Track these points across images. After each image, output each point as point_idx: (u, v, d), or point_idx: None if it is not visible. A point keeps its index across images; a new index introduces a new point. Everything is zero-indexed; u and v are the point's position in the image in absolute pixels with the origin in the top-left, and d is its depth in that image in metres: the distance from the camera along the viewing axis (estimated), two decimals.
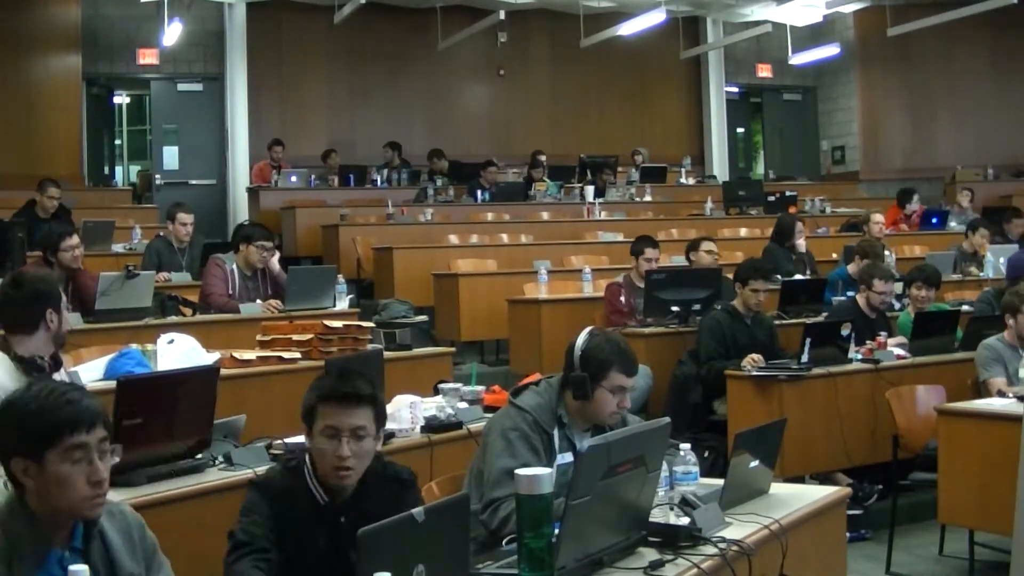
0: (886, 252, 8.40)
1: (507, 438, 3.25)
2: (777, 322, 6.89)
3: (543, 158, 13.09)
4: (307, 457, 2.90)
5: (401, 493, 2.93)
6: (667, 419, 2.94)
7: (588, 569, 2.62)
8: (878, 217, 10.05)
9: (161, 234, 8.40)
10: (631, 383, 3.38)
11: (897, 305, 7.37)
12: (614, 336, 3.51)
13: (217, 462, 3.78)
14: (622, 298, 7.40)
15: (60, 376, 3.85)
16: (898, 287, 7.16)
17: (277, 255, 7.24)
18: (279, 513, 2.81)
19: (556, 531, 2.47)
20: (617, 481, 2.64)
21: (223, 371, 4.44)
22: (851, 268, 7.94)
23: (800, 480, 5.49)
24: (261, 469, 3.55)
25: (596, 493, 2.57)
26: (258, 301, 6.92)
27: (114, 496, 2.40)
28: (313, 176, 12.81)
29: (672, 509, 2.96)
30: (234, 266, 7.00)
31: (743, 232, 11.27)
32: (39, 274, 3.94)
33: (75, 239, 6.59)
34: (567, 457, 3.29)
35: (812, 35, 15.80)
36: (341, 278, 7.28)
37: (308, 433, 2.88)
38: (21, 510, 2.24)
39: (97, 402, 2.31)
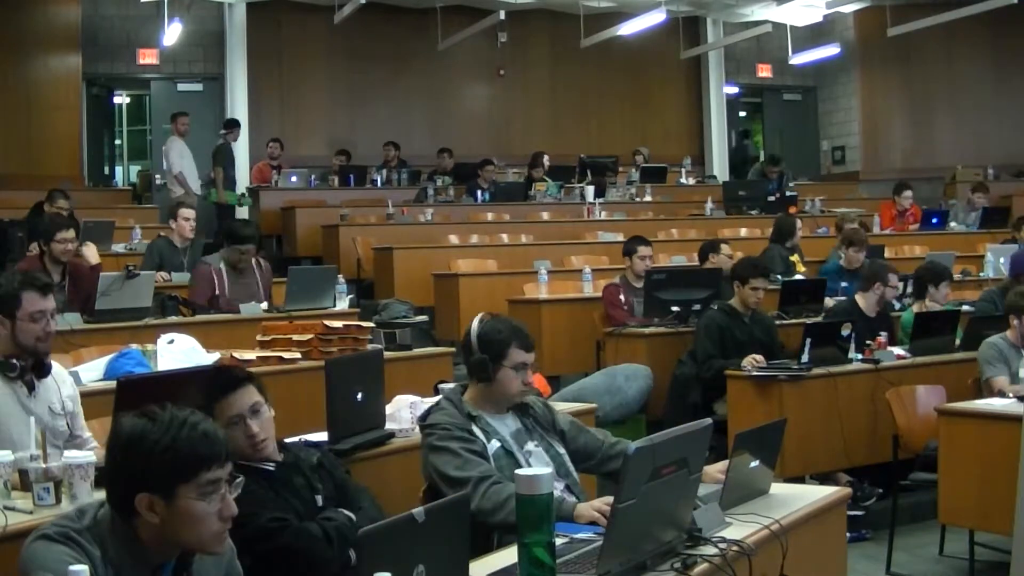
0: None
1: (449, 449, 3.28)
2: (777, 322, 6.88)
3: (547, 159, 13.03)
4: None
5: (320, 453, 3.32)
6: (708, 420, 2.87)
7: (632, 573, 2.58)
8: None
9: (162, 234, 8.38)
10: (531, 358, 3.48)
11: (898, 305, 7.37)
12: (506, 317, 3.68)
13: None
14: (621, 297, 7.40)
15: (48, 382, 3.78)
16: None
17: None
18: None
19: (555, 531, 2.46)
20: (662, 484, 2.59)
21: None
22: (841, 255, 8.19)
23: (800, 480, 5.48)
24: None
25: (642, 496, 2.52)
26: (264, 304, 6.96)
27: None
28: (313, 176, 12.81)
29: None
30: (220, 265, 6.98)
31: (743, 232, 11.26)
32: (17, 274, 3.88)
33: (71, 233, 6.55)
34: (494, 445, 3.37)
35: (812, 35, 15.79)
36: (341, 278, 7.28)
37: None
38: (128, 540, 2.13)
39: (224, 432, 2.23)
